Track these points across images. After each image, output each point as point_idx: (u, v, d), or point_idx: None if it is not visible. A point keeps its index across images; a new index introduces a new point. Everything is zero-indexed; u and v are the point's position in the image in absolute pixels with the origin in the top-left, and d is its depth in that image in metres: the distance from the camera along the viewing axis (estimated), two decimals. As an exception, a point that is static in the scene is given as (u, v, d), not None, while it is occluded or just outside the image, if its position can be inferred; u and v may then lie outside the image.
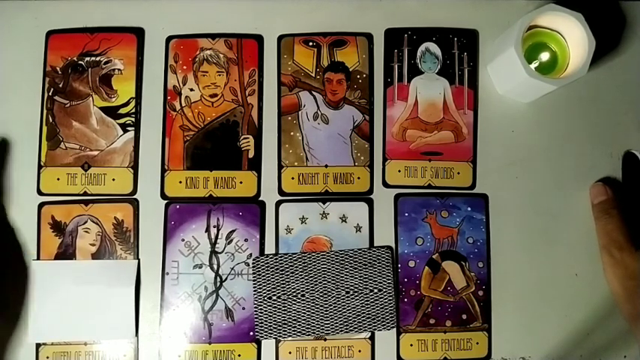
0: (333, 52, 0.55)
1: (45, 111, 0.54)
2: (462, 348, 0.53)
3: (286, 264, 0.53)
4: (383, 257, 0.53)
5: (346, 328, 0.53)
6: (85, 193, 0.54)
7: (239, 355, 0.53)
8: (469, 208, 0.54)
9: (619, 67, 0.56)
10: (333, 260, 0.53)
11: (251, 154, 0.54)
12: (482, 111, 0.56)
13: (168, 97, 0.55)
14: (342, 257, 0.53)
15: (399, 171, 0.55)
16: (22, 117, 0.54)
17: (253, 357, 0.53)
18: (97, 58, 0.55)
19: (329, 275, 0.53)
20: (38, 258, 0.53)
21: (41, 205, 0.53)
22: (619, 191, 0.54)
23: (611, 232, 0.52)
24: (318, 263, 0.53)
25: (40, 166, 0.54)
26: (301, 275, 0.53)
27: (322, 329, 0.53)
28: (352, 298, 0.53)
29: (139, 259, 0.53)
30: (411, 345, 0.53)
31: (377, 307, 0.53)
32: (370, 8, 0.56)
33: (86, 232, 0.53)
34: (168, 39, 0.55)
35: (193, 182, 0.54)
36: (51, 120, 0.54)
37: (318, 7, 0.56)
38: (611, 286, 0.52)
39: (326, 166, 0.54)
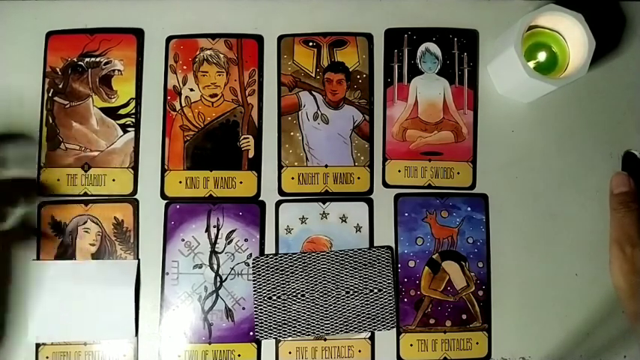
0: (333, 52, 0.55)
1: (45, 112, 0.54)
2: (462, 348, 0.53)
3: (286, 264, 0.53)
4: (383, 257, 0.53)
5: (346, 328, 0.53)
6: (85, 194, 0.54)
7: (239, 355, 0.53)
8: (469, 208, 0.54)
9: (619, 67, 0.56)
10: (333, 260, 0.53)
11: (251, 154, 0.54)
12: (482, 111, 0.56)
13: (169, 97, 0.55)
14: (342, 257, 0.53)
15: (399, 171, 0.55)
16: (22, 118, 0.54)
17: (253, 357, 0.53)
18: (97, 59, 0.55)
19: (329, 275, 0.53)
20: (38, 258, 0.53)
21: (41, 205, 0.53)
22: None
23: (627, 227, 0.51)
24: (318, 263, 0.53)
25: (40, 167, 0.54)
26: (301, 275, 0.53)
27: (322, 329, 0.53)
28: (352, 298, 0.53)
29: (138, 259, 0.53)
30: (411, 345, 0.53)
31: (377, 307, 0.53)
32: (370, 8, 0.56)
33: (86, 232, 0.53)
34: (169, 39, 0.55)
35: (193, 182, 0.54)
36: (51, 121, 0.54)
37: (318, 7, 0.56)
38: (616, 281, 0.51)
39: (326, 166, 0.54)
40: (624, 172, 0.54)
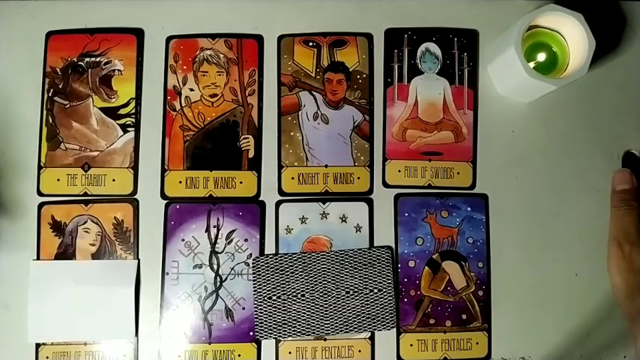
0: (333, 52, 0.55)
1: (45, 112, 0.54)
2: (462, 348, 0.53)
3: (286, 264, 0.53)
4: (383, 257, 0.53)
5: (346, 328, 0.53)
6: (85, 194, 0.54)
7: (239, 355, 0.53)
8: (469, 208, 0.54)
9: (619, 67, 0.56)
10: (333, 260, 0.53)
11: (251, 154, 0.54)
12: (483, 111, 0.56)
13: (168, 97, 0.55)
14: (342, 257, 0.53)
15: (399, 171, 0.55)
16: (22, 118, 0.54)
17: (253, 357, 0.53)
18: (97, 59, 0.55)
19: (329, 275, 0.53)
20: (38, 258, 0.53)
21: (41, 205, 0.53)
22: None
23: (627, 225, 0.51)
24: (318, 263, 0.53)
25: (40, 167, 0.54)
26: (301, 275, 0.53)
27: (322, 329, 0.53)
28: (352, 298, 0.53)
29: (138, 259, 0.53)
30: (411, 345, 0.53)
31: (377, 307, 0.53)
32: (370, 8, 0.56)
33: (86, 232, 0.53)
34: (169, 39, 0.55)
35: (193, 182, 0.54)
36: (51, 121, 0.54)
37: (318, 7, 0.56)
38: (613, 279, 0.51)
39: (326, 166, 0.54)
40: (627, 169, 0.54)
